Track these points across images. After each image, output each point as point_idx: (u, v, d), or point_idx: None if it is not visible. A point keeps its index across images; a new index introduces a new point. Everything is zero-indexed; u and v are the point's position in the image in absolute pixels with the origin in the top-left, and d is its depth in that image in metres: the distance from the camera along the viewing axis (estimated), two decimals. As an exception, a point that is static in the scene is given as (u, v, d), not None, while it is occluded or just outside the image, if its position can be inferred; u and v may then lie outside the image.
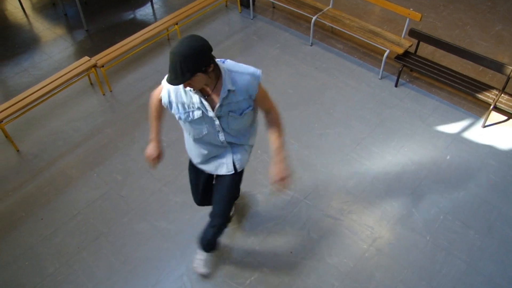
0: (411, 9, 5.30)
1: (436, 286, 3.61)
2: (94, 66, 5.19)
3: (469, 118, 4.96)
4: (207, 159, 3.01)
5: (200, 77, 2.37)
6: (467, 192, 4.26)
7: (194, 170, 3.24)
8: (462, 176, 4.39)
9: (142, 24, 6.47)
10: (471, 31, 6.21)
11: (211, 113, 2.62)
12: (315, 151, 4.64)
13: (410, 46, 5.34)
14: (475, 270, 3.71)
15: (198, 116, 2.64)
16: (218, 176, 3.14)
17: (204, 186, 3.34)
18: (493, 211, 4.11)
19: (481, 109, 5.07)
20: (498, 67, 4.70)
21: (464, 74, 5.09)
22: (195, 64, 2.29)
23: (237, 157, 2.98)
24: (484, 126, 4.87)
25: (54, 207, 4.23)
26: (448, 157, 4.56)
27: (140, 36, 5.63)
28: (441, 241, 3.90)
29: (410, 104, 5.13)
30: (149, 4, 6.95)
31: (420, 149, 4.64)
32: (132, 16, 6.72)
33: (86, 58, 5.24)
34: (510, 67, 4.60)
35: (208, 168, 3.05)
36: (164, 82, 2.66)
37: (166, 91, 2.65)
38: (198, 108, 2.61)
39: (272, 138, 2.87)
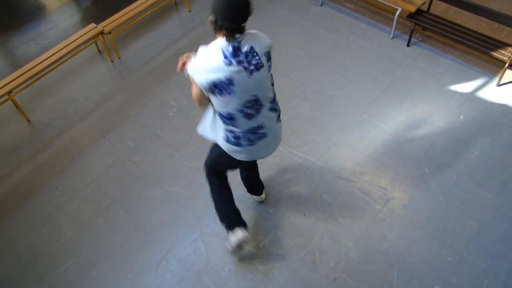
0: (424, -35, 5.13)
1: (449, 245, 3.62)
2: (101, 33, 5.13)
3: (483, 77, 4.87)
4: None
5: None
6: (481, 151, 4.21)
7: None
8: (475, 135, 4.34)
9: (148, -11, 6.35)
10: (486, -13, 6.02)
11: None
12: (327, 112, 4.60)
13: (422, 4, 5.19)
14: (488, 229, 3.71)
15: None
16: None
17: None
18: (506, 170, 4.07)
19: (495, 67, 4.96)
20: (514, 23, 4.58)
21: (479, 31, 4.96)
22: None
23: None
24: (499, 85, 4.78)
25: (67, 175, 4.26)
26: (461, 117, 4.49)
27: (147, 1, 5.53)
28: (454, 201, 3.89)
29: (423, 63, 5.04)
30: (154, -32, 6.81)
31: (433, 109, 4.57)
32: (137, -20, 6.59)
33: (93, 25, 5.18)
34: (526, 22, 4.48)
35: None
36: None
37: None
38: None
39: None
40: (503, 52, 4.69)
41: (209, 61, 2.48)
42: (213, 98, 2.63)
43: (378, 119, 4.51)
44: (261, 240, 3.71)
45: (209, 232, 3.78)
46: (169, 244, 3.73)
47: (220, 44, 2.47)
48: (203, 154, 4.25)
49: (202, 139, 4.38)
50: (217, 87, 2.53)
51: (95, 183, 4.19)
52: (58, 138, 4.56)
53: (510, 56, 4.63)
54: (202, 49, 2.55)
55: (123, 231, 3.84)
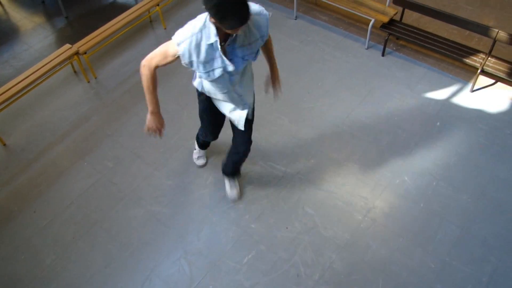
0: (394, -24, 5.23)
1: (432, 251, 3.64)
2: (76, 53, 5.09)
3: (457, 84, 4.96)
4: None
5: None
6: (458, 157, 4.27)
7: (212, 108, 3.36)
8: (453, 141, 4.41)
9: (123, 7, 6.34)
10: (455, -5, 6.16)
11: (230, 67, 2.69)
12: (305, 125, 4.62)
13: (395, 14, 5.28)
14: (469, 233, 3.75)
15: (219, 75, 2.74)
16: None
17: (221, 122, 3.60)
18: (484, 174, 4.13)
19: (468, 73, 5.06)
20: (484, 30, 4.67)
21: (451, 39, 5.06)
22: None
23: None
24: (472, 91, 4.87)
25: (46, 198, 4.19)
26: (438, 123, 4.56)
27: (122, 19, 5.52)
28: (434, 207, 3.93)
29: (398, 72, 5.11)
30: (128, -13, 6.82)
31: (410, 117, 4.63)
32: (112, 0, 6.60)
33: (68, 45, 5.14)
34: (495, 30, 4.57)
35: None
36: (179, 42, 2.60)
37: (186, 51, 2.62)
38: (219, 67, 2.70)
39: (267, 60, 3.24)
40: (475, 58, 4.79)
41: None
42: None
43: (357, 129, 4.55)
44: (245, 255, 3.69)
45: (192, 250, 3.75)
46: (152, 264, 3.69)
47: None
48: (183, 172, 4.26)
49: (182, 157, 4.38)
50: None
51: (75, 205, 4.13)
52: (35, 161, 4.50)
53: (481, 62, 4.72)
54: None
55: (105, 252, 3.79)
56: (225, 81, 2.86)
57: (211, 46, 2.59)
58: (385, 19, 5.19)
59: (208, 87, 3.04)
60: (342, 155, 4.34)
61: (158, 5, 5.79)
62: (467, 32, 5.54)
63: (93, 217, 4.02)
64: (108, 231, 3.92)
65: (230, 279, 3.57)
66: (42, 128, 4.80)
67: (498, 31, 4.56)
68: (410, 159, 4.28)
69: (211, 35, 2.53)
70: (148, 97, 3.00)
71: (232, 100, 3.08)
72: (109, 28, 5.40)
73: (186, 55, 2.64)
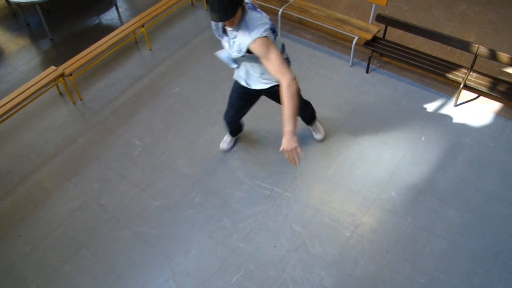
0: (376, -6, 5.33)
1: (420, 266, 3.65)
2: (62, 75, 5.09)
3: (441, 98, 5.02)
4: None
5: (239, 13, 2.91)
6: (444, 171, 4.31)
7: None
8: (438, 155, 4.44)
9: (108, 29, 6.38)
10: (437, 13, 6.27)
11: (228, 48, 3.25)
12: (292, 143, 4.63)
13: (378, 31, 5.36)
14: (457, 246, 3.76)
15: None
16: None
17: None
18: (470, 187, 4.17)
19: (451, 88, 5.13)
20: (465, 46, 4.76)
21: (433, 55, 5.13)
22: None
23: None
24: (456, 105, 4.93)
25: (32, 222, 4.14)
26: (423, 138, 4.60)
27: (107, 41, 5.54)
28: (422, 221, 3.94)
29: (382, 88, 5.17)
30: (114, 8, 6.85)
31: (395, 133, 4.67)
32: (97, 21, 6.61)
33: (53, 67, 5.14)
34: (476, 45, 4.66)
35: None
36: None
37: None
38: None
39: (283, 110, 3.03)
40: (457, 73, 4.86)
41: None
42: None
43: (343, 146, 4.57)
44: (233, 275, 3.66)
45: (180, 271, 3.71)
46: (140, 286, 3.64)
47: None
48: (170, 193, 4.24)
49: (169, 177, 4.36)
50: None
51: (61, 228, 4.08)
52: (20, 184, 4.45)
53: (464, 77, 4.79)
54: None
55: (92, 276, 3.73)
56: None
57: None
58: (368, 37, 5.27)
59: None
60: (329, 172, 4.35)
61: (143, 26, 5.82)
62: (449, 48, 5.63)
63: (80, 240, 3.97)
64: (95, 254, 3.87)
65: (219, 299, 3.54)
66: (27, 151, 4.76)
67: (478, 47, 4.65)
68: (397, 174, 4.30)
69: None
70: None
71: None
72: (94, 49, 5.41)
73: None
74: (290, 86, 2.91)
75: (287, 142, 3.00)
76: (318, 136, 4.60)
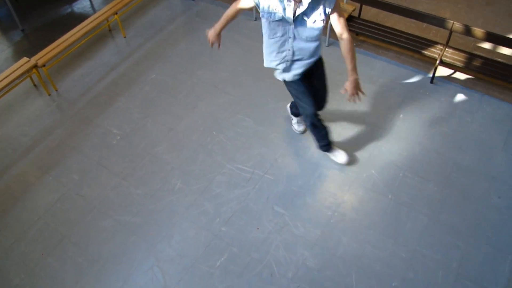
0: (350, -27, 5.31)
1: (402, 241, 3.70)
2: (35, 66, 4.99)
3: (417, 75, 5.05)
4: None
5: None
6: (423, 147, 4.36)
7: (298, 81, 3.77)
8: (416, 132, 4.49)
9: (81, 17, 6.25)
10: (411, -11, 6.28)
11: (289, 17, 3.19)
12: (271, 125, 4.64)
13: (353, 10, 5.36)
14: (438, 221, 3.82)
15: (278, 18, 3.22)
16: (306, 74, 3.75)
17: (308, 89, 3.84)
18: (448, 163, 4.22)
19: (428, 65, 5.16)
20: (440, 22, 4.78)
21: (409, 32, 5.16)
22: None
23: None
24: (432, 82, 4.97)
25: (12, 216, 4.09)
26: (401, 116, 4.64)
27: (80, 30, 5.44)
28: (402, 198, 3.99)
29: (359, 67, 5.08)
30: (85, -4, 6.72)
31: (373, 111, 4.70)
32: (69, 10, 6.48)
33: (25, 59, 5.03)
34: (451, 21, 4.69)
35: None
36: None
37: None
38: (280, 12, 3.18)
39: (346, 61, 3.42)
40: (433, 50, 4.89)
41: None
42: None
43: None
44: (217, 259, 3.67)
45: (164, 257, 3.71)
46: (125, 275, 3.64)
47: None
48: (151, 180, 4.22)
49: (149, 165, 4.33)
50: None
51: (42, 221, 4.04)
52: (-2, 179, 4.39)
53: (439, 53, 4.83)
54: None
55: (75, 267, 3.71)
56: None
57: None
58: (344, 15, 5.25)
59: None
60: (308, 153, 4.37)
61: (116, 13, 5.72)
62: (425, 24, 5.66)
63: (61, 232, 3.94)
64: (77, 245, 3.84)
65: (204, 283, 3.54)
66: (3, 145, 4.68)
67: (453, 23, 4.68)
68: (376, 153, 4.34)
69: None
70: (221, 19, 3.58)
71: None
72: (67, 39, 5.31)
73: None
74: (353, 40, 3.40)
75: (355, 87, 3.42)
76: (300, 128, 4.57)
